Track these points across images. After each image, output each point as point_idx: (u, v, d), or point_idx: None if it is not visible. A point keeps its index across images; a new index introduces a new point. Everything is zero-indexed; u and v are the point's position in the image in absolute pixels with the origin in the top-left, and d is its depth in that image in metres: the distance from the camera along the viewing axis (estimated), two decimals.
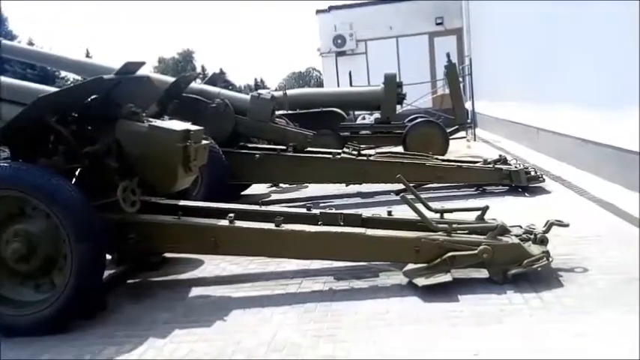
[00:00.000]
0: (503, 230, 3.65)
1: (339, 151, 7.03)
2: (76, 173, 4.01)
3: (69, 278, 3.38)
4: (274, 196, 7.86)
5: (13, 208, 3.52)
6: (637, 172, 5.23)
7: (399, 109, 10.56)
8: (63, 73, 36.97)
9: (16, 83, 4.63)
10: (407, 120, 10.53)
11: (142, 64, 4.43)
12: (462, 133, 11.89)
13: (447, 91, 11.57)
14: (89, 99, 3.93)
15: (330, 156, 6.87)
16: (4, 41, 7.90)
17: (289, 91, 10.58)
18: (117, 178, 3.92)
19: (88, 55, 42.43)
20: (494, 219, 3.78)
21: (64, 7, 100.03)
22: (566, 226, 3.73)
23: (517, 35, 10.22)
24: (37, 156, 3.80)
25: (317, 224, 3.91)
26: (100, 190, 3.88)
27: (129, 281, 4.34)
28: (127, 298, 3.92)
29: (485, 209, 3.81)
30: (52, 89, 4.42)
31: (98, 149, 3.94)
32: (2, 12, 43.38)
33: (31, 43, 38.18)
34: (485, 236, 3.59)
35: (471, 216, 3.88)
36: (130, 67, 4.23)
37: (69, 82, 35.06)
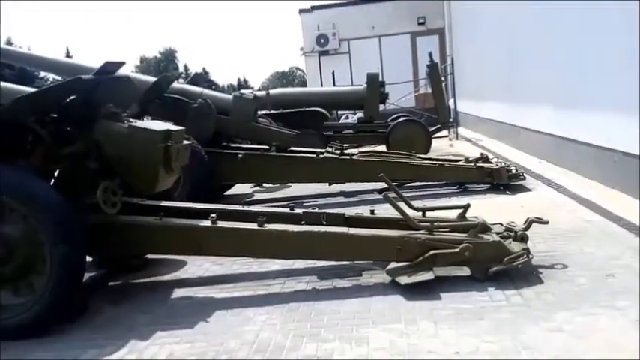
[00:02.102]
0: (485, 228, 3.68)
1: (323, 150, 7.03)
2: (55, 174, 3.96)
3: (48, 281, 3.34)
4: (257, 196, 7.84)
5: None
6: (614, 170, 5.33)
7: (381, 108, 10.59)
8: (42, 74, 36.46)
9: None
10: (390, 119, 10.56)
11: (121, 63, 4.38)
12: (444, 132, 11.97)
13: (430, 90, 11.63)
14: (68, 99, 3.88)
15: (314, 155, 6.87)
16: None
17: (272, 91, 10.55)
18: (97, 179, 3.87)
19: (68, 55, 41.94)
20: (475, 217, 3.82)
21: (43, 4, 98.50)
22: (546, 223, 3.78)
23: (499, 34, 10.33)
24: (15, 157, 3.74)
25: (300, 224, 3.90)
26: (80, 192, 3.84)
27: (110, 283, 4.30)
28: (107, 300, 3.87)
29: (466, 207, 3.84)
30: (31, 90, 4.36)
31: (77, 150, 3.89)
32: None
33: (9, 43, 37.56)
34: (466, 234, 3.62)
35: (453, 214, 3.91)
36: (110, 67, 4.18)
37: (48, 82, 34.54)
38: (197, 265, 4.45)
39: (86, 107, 3.95)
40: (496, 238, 3.60)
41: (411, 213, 3.86)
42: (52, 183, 3.85)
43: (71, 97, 3.88)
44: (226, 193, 7.89)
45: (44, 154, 3.80)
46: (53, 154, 3.81)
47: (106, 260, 4.51)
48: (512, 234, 3.67)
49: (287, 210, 4.13)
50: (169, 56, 63.75)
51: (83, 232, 3.52)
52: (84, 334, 3.32)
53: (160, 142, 4.01)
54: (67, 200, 3.48)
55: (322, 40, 20.03)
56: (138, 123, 4.19)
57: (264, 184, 8.22)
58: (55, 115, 3.94)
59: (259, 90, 11.13)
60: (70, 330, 3.39)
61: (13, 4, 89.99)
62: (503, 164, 6.68)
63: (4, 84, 4.62)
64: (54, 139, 3.81)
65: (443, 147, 10.73)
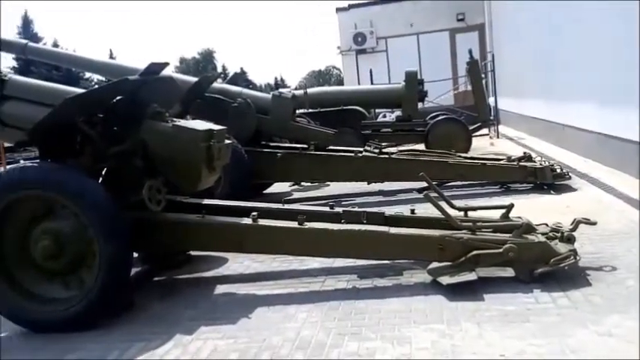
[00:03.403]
0: (529, 228, 3.60)
1: (361, 149, 7.01)
2: (103, 173, 4.08)
3: (97, 276, 3.45)
4: (296, 195, 7.88)
5: (42, 207, 3.59)
6: None
7: (420, 106, 10.48)
8: (87, 74, 37.68)
9: (42, 85, 4.74)
10: (428, 117, 10.44)
11: (165, 64, 4.48)
12: (484, 131, 11.75)
13: (469, 87, 11.43)
14: (115, 100, 3.99)
15: (352, 154, 6.86)
16: (31, 43, 8.07)
17: (310, 90, 10.58)
18: (142, 177, 3.97)
19: (111, 56, 43.08)
20: (519, 217, 3.74)
21: (87, 6, 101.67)
22: (594, 224, 3.67)
23: (541, 30, 10.06)
24: (65, 156, 3.87)
25: (340, 223, 3.91)
26: (126, 190, 3.94)
27: (155, 279, 4.40)
28: (153, 295, 3.97)
29: (510, 207, 3.76)
30: (78, 90, 4.51)
31: (124, 149, 4.00)
32: (28, 14, 44.28)
33: (56, 45, 38.92)
34: (510, 234, 3.55)
35: (496, 214, 3.83)
36: (154, 68, 4.28)
37: (93, 83, 35.66)
38: (238, 263, 4.52)
39: (132, 107, 4.06)
40: (542, 238, 3.51)
41: (452, 212, 3.81)
42: (100, 181, 3.97)
43: (118, 98, 3.99)
44: (265, 192, 7.97)
45: (92, 154, 3.93)
46: (101, 153, 3.93)
47: (151, 256, 4.63)
48: (559, 235, 3.58)
49: (327, 209, 4.14)
50: (208, 57, 64.72)
51: (130, 229, 3.62)
52: (130, 328, 3.42)
53: (202, 141, 4.08)
54: (114, 198, 3.59)
55: (359, 39, 19.95)
56: (181, 122, 4.27)
57: (303, 183, 8.26)
58: (102, 115, 4.06)
59: (297, 89, 11.19)
60: (117, 324, 3.49)
61: (59, 7, 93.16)
62: (547, 163, 6.52)
63: (52, 85, 4.79)
64: (102, 139, 3.92)
65: (483, 145, 10.55)
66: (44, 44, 32.46)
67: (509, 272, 3.53)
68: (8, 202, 3.52)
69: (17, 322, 3.56)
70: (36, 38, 40.01)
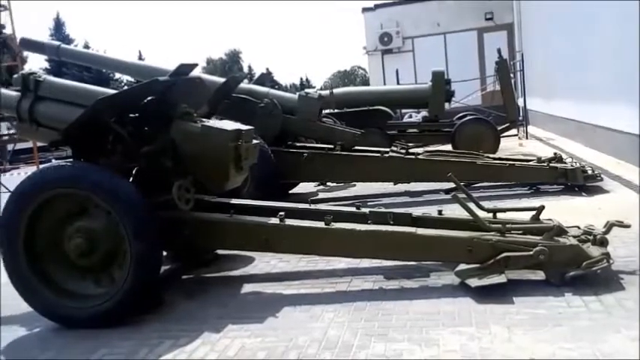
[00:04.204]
0: (561, 231, 3.53)
1: (387, 149, 6.98)
2: (133, 172, 4.15)
3: (128, 273, 3.51)
4: (322, 195, 7.89)
5: (75, 205, 3.68)
6: None
7: (447, 106, 10.38)
8: (117, 75, 38.43)
9: (76, 86, 4.85)
10: (456, 118, 10.34)
11: (195, 65, 4.54)
12: (513, 131, 11.58)
13: (498, 87, 11.27)
14: (145, 100, 4.05)
15: (379, 154, 6.84)
16: (64, 45, 8.25)
17: (336, 90, 10.57)
18: (172, 177, 4.03)
19: (140, 57, 43.85)
20: (550, 219, 3.66)
21: (116, 8, 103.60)
22: (628, 226, 3.58)
23: (571, 29, 9.86)
24: (97, 156, 3.95)
25: (367, 223, 3.90)
26: (156, 189, 4.00)
27: (183, 277, 4.46)
28: (181, 293, 4.03)
29: (541, 209, 3.69)
30: (110, 91, 4.60)
31: (154, 149, 4.06)
32: (60, 17, 45.33)
33: (87, 47, 39.79)
34: (541, 237, 3.49)
35: (526, 216, 3.77)
36: (184, 69, 4.34)
37: (123, 84, 36.33)
38: (265, 262, 4.54)
39: (162, 107, 4.12)
40: (573, 241, 3.45)
41: (480, 214, 3.76)
42: (130, 180, 4.04)
43: (148, 98, 4.06)
44: (291, 192, 7.99)
45: (123, 153, 4.00)
46: (132, 152, 4.00)
47: (179, 255, 4.69)
48: (591, 238, 3.50)
49: (353, 209, 4.13)
50: (234, 57, 65.31)
51: (159, 228, 3.67)
52: (160, 326, 3.47)
53: (231, 141, 4.12)
54: (144, 197, 3.65)
55: (385, 39, 19.88)
56: (210, 122, 4.31)
57: (328, 183, 8.27)
58: (133, 116, 4.13)
59: (322, 89, 11.19)
60: (146, 321, 3.55)
61: (90, 9, 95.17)
62: (578, 164, 6.38)
63: (85, 86, 4.89)
64: (133, 139, 3.99)
65: (512, 146, 10.40)
66: (76, 46, 33.17)
67: (539, 275, 3.47)
68: (44, 200, 3.61)
69: (51, 318, 3.65)
70: (68, 40, 40.97)
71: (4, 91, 5.32)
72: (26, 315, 3.77)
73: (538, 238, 3.49)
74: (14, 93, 4.82)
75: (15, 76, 4.94)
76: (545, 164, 6.39)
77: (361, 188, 7.67)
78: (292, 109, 7.34)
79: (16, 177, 12.07)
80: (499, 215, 3.83)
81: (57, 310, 3.62)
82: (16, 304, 3.78)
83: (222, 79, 7.22)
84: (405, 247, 3.73)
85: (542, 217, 3.69)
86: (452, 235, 3.65)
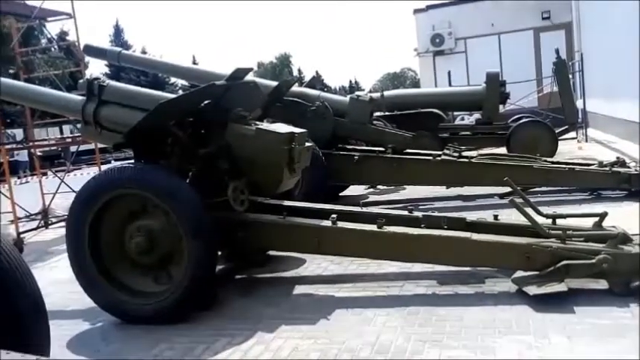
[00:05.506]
0: (625, 239, 3.38)
1: (440, 152, 6.87)
2: (190, 174, 4.27)
3: (185, 272, 3.62)
4: (372, 198, 7.86)
5: (136, 205, 3.82)
6: None
7: (501, 109, 10.11)
8: (172, 79, 39.61)
9: (136, 90, 5.04)
10: (511, 120, 10.07)
11: (250, 69, 4.63)
12: (572, 134, 11.16)
13: (555, 89, 10.89)
14: (202, 104, 4.16)
15: (430, 158, 6.75)
16: (124, 51, 8.60)
17: (387, 93, 10.49)
18: (227, 178, 4.12)
19: (194, 62, 45.03)
20: (613, 226, 3.51)
21: (171, 14, 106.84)
22: None
23: (632, 27, 9.42)
24: (157, 157, 4.09)
25: (419, 227, 3.86)
26: (211, 190, 4.10)
27: (237, 277, 4.54)
28: (235, 292, 4.11)
29: (603, 215, 3.55)
30: (169, 95, 4.75)
31: (210, 151, 4.17)
32: (119, 24, 47.19)
33: (144, 52, 41.21)
34: (604, 244, 3.35)
35: (587, 222, 3.63)
36: (240, 73, 4.43)
37: (177, 88, 37.40)
38: (316, 264, 4.57)
39: (218, 111, 4.22)
40: (638, 250, 3.29)
41: (539, 220, 3.65)
42: (187, 182, 4.15)
43: (206, 102, 4.17)
44: (341, 194, 8.00)
45: (181, 155, 4.12)
46: (189, 155, 4.12)
47: (233, 255, 4.78)
48: None
49: (405, 212, 4.09)
50: (284, 61, 66.05)
51: (215, 228, 3.76)
52: (215, 324, 3.55)
53: (284, 144, 4.17)
54: (201, 198, 3.75)
55: (437, 40, 19.60)
56: (264, 125, 4.39)
57: (379, 186, 8.22)
58: (191, 119, 4.25)
59: (372, 92, 11.14)
60: (202, 319, 3.64)
61: (146, 15, 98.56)
62: None
63: (145, 90, 5.08)
64: (190, 142, 4.11)
65: (570, 149, 10.04)
66: (134, 51, 34.44)
67: (602, 284, 3.34)
68: (107, 200, 3.77)
69: (112, 313, 3.80)
70: (126, 46, 42.58)
71: (69, 95, 5.61)
72: (89, 310, 3.94)
73: (601, 245, 3.36)
74: (79, 97, 5.06)
75: (80, 81, 5.19)
76: (608, 169, 6.12)
77: (412, 191, 7.59)
78: (343, 111, 7.35)
79: (79, 177, 12.62)
80: (559, 221, 3.71)
81: (119, 305, 3.76)
82: (81, 299, 3.96)
83: (274, 83, 7.33)
84: (459, 253, 3.67)
85: (604, 223, 3.55)
86: (509, 241, 3.56)
